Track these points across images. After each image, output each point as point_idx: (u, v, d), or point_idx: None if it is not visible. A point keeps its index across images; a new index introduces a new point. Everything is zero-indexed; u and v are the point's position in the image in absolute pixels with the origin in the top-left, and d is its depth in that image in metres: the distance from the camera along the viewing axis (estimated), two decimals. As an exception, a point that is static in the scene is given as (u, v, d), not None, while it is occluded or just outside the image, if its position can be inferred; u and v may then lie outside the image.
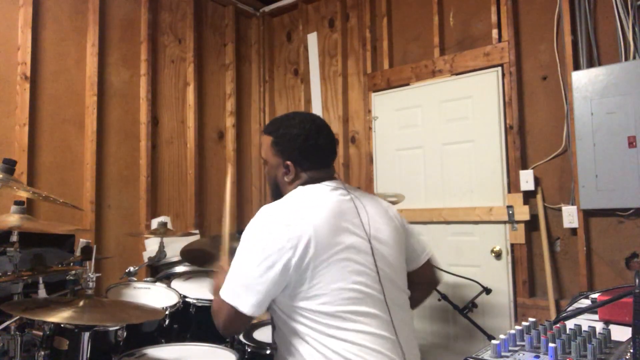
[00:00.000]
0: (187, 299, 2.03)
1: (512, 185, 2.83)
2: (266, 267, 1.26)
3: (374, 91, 3.49)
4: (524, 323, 1.11)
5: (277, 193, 1.51)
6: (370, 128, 3.49)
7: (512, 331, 1.06)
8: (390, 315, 1.34)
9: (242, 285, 1.28)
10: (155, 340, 1.85)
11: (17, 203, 1.72)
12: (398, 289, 1.42)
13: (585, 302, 1.43)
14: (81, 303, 1.49)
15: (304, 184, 1.45)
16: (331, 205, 1.37)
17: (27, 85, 2.64)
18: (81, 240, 2.63)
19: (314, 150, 1.46)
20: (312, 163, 1.46)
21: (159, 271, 2.71)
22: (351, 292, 1.29)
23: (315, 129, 1.47)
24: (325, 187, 1.42)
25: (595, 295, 1.39)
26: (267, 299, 1.29)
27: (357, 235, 1.36)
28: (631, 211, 2.44)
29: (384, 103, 3.44)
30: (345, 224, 1.35)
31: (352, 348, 1.25)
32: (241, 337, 1.87)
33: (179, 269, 2.58)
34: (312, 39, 3.87)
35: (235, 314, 1.28)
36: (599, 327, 1.08)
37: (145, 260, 2.47)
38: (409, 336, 1.39)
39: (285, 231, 1.28)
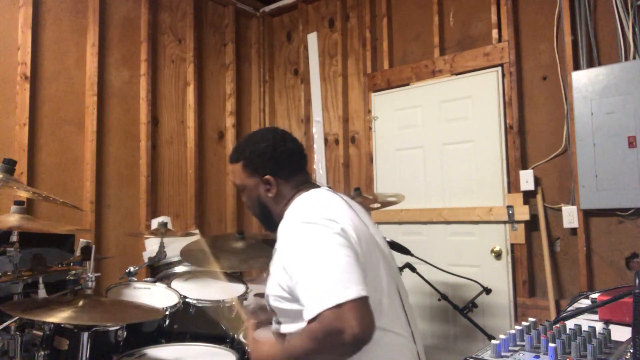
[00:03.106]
0: (187, 299, 2.03)
1: (512, 185, 2.83)
2: (341, 244, 1.17)
3: (374, 91, 3.49)
4: (524, 323, 1.11)
5: (266, 215, 1.46)
6: (370, 128, 3.49)
7: (512, 331, 1.06)
8: (406, 315, 1.35)
9: (340, 275, 1.11)
10: (155, 340, 1.85)
11: (17, 203, 1.72)
12: (403, 288, 1.43)
13: (585, 302, 1.43)
14: (81, 303, 1.49)
15: (295, 192, 1.41)
16: (344, 204, 1.35)
17: (27, 85, 2.64)
18: (81, 240, 2.63)
19: (286, 156, 1.44)
20: (289, 170, 1.44)
21: (159, 271, 2.71)
22: (384, 293, 1.28)
23: (279, 137, 1.46)
24: (327, 190, 1.41)
25: (595, 295, 1.39)
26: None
27: (372, 238, 1.37)
28: (631, 211, 2.44)
29: (384, 103, 3.44)
30: (360, 223, 1.35)
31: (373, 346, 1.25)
32: (241, 337, 1.88)
33: (179, 269, 2.58)
34: (312, 39, 3.87)
35: (362, 305, 1.09)
36: (599, 327, 1.08)
37: (146, 260, 2.47)
38: (417, 331, 1.41)
39: (327, 212, 1.24)
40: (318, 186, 1.45)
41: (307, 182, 1.45)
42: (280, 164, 1.42)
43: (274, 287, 1.28)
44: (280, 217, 1.35)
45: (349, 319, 1.06)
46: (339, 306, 1.06)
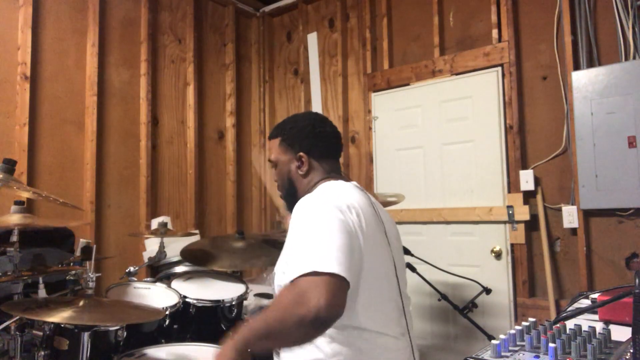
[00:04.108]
0: (187, 299, 2.03)
1: (512, 185, 2.83)
2: (343, 231, 1.17)
3: (374, 91, 3.49)
4: (524, 323, 1.11)
5: (292, 192, 1.48)
6: (370, 128, 3.49)
7: (512, 331, 1.06)
8: (404, 311, 1.36)
9: (330, 252, 1.10)
10: (155, 340, 1.85)
11: (17, 203, 1.72)
12: (407, 296, 1.44)
13: (585, 302, 1.43)
14: (81, 303, 1.49)
15: (322, 178, 1.44)
16: (365, 200, 1.36)
17: (27, 85, 2.64)
18: (81, 240, 2.63)
19: (323, 138, 1.47)
20: (323, 152, 1.47)
21: (159, 271, 2.71)
22: (380, 289, 1.29)
23: (319, 119, 1.50)
24: (352, 184, 1.42)
25: (595, 295, 1.39)
26: (355, 266, 1.16)
27: (383, 237, 1.38)
28: (631, 211, 2.44)
29: (384, 103, 3.44)
30: (376, 222, 1.36)
31: (369, 336, 1.24)
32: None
33: (179, 269, 2.58)
34: (312, 39, 3.87)
35: (338, 283, 1.05)
36: (599, 327, 1.08)
37: (146, 260, 2.47)
38: (414, 339, 1.41)
39: (341, 201, 1.26)
40: (345, 179, 1.46)
41: (336, 172, 1.47)
42: (316, 144, 1.46)
43: (282, 263, 1.30)
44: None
45: (320, 289, 1.01)
46: (315, 274, 1.04)
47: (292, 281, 1.07)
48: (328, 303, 1.00)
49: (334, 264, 1.07)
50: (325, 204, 1.24)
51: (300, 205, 1.28)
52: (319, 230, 1.16)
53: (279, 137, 1.50)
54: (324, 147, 1.47)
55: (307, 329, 1.01)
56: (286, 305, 1.03)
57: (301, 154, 1.44)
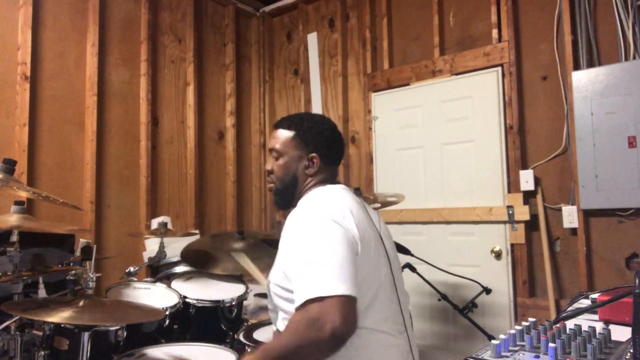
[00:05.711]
0: (187, 299, 2.03)
1: (512, 185, 2.83)
2: (342, 243, 1.19)
3: (374, 91, 3.49)
4: (524, 323, 1.11)
5: (291, 188, 1.47)
6: (370, 128, 3.49)
7: (512, 331, 1.06)
8: (401, 308, 1.36)
9: (333, 271, 1.13)
10: (155, 340, 1.85)
11: (17, 203, 1.72)
12: (405, 293, 1.45)
13: (585, 302, 1.43)
14: (81, 303, 1.49)
15: (318, 182, 1.46)
16: (356, 203, 1.38)
17: (27, 85, 2.64)
18: (81, 240, 2.63)
19: (336, 147, 1.51)
20: (333, 159, 1.50)
21: (159, 271, 2.71)
22: (378, 289, 1.30)
23: (336, 128, 1.54)
24: (341, 187, 1.44)
25: (595, 295, 1.39)
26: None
27: (377, 237, 1.39)
28: (631, 211, 2.44)
29: (384, 103, 3.44)
30: (369, 224, 1.37)
31: (368, 334, 1.25)
32: (241, 337, 1.88)
33: (179, 269, 2.58)
34: (312, 39, 3.87)
35: (347, 303, 1.09)
36: (599, 327, 1.08)
37: (145, 260, 2.47)
38: (413, 337, 1.41)
39: (337, 210, 1.28)
40: (338, 183, 1.50)
41: (333, 178, 1.50)
42: (330, 151, 1.48)
43: (277, 274, 1.31)
44: (298, 197, 1.42)
45: (332, 313, 1.06)
46: (323, 299, 1.08)
47: (300, 306, 1.11)
48: (342, 323, 1.05)
49: (338, 285, 1.10)
50: (322, 217, 1.25)
51: (296, 217, 1.29)
52: (319, 247, 1.18)
53: (292, 131, 1.47)
54: (335, 155, 1.51)
55: (327, 349, 1.08)
56: (301, 331, 1.08)
57: (314, 155, 1.45)
